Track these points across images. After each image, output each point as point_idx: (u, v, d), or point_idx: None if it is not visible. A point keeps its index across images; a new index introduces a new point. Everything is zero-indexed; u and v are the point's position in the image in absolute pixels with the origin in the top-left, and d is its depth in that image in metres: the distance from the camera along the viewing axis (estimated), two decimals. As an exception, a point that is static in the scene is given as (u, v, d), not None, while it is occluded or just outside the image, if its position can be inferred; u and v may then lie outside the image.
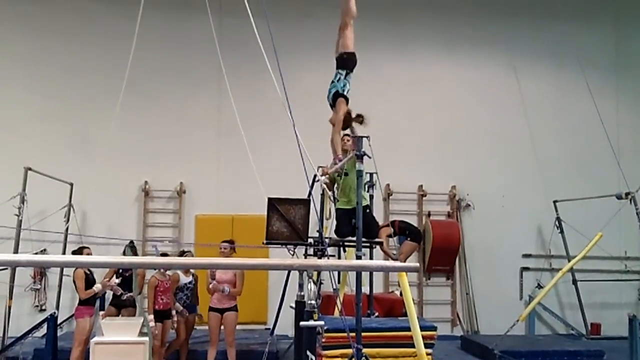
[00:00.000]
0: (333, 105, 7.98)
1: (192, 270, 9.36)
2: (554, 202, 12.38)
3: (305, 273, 4.35)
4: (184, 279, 9.23)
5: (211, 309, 8.83)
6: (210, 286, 8.78)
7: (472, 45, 13.21)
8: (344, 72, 7.97)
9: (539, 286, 12.30)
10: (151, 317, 8.64)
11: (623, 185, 10.75)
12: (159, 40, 12.20)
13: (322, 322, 4.83)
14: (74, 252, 9.00)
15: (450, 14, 13.11)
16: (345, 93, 7.89)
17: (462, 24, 13.13)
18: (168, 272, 9.00)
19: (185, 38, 12.43)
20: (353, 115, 8.07)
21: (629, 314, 9.35)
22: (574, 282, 12.35)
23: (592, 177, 12.50)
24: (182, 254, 9.74)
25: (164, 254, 9.96)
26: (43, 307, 11.60)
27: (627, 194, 10.46)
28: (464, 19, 13.12)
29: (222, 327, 8.87)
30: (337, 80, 7.92)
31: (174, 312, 9.00)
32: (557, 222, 12.40)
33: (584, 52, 12.55)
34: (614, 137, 11.15)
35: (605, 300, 12.46)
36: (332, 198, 8.60)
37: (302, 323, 4.65)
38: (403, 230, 11.40)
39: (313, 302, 4.73)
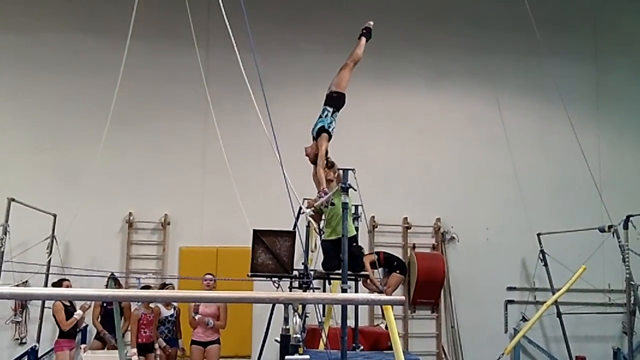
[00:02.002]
0: (316, 139, 8.05)
1: (173, 304, 9.28)
2: (538, 235, 12.44)
3: (290, 306, 4.34)
4: (165, 312, 9.15)
5: (194, 342, 8.76)
6: (196, 318, 8.71)
7: (456, 80, 13.38)
8: (331, 110, 8.03)
9: (524, 319, 12.31)
10: (134, 350, 8.54)
11: (606, 218, 10.84)
12: (146, 73, 12.23)
13: (307, 357, 4.81)
14: (54, 285, 8.91)
15: (434, 49, 13.29)
16: (330, 130, 7.95)
17: (445, 58, 13.32)
18: (151, 305, 8.92)
19: (172, 70, 12.48)
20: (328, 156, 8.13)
21: (613, 346, 9.39)
22: (559, 314, 12.36)
23: (575, 210, 12.60)
24: (163, 286, 9.67)
25: (147, 287, 9.88)
26: (23, 340, 11.37)
27: (609, 227, 10.55)
28: (447, 54, 13.30)
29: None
30: (325, 116, 8.00)
31: (156, 346, 8.90)
32: (541, 255, 12.46)
33: (565, 87, 12.75)
34: (595, 171, 11.29)
35: (590, 333, 12.47)
36: (317, 230, 8.60)
37: (287, 357, 4.62)
38: (388, 262, 11.42)
39: (298, 335, 4.70)
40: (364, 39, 8.64)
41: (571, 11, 13.83)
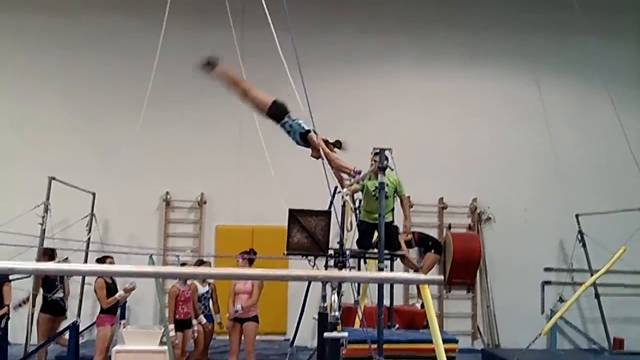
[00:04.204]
0: (308, 146, 7.46)
1: (208, 280, 9.41)
2: (577, 215, 12.26)
3: (329, 284, 4.35)
4: (201, 289, 9.28)
5: (230, 319, 8.85)
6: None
7: (494, 60, 13.19)
8: (287, 119, 7.37)
9: (561, 300, 12.18)
10: (172, 326, 8.68)
11: (646, 199, 10.63)
12: (182, 52, 12.25)
13: (345, 334, 4.82)
14: (98, 261, 9.08)
15: (472, 29, 13.09)
16: (307, 129, 7.31)
17: (484, 38, 13.12)
18: (189, 282, 9.05)
19: (208, 48, 12.46)
20: (331, 141, 7.57)
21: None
22: (597, 296, 12.20)
23: (615, 191, 12.38)
24: (200, 263, 9.78)
25: (184, 264, 10.02)
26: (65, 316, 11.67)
27: (650, 208, 10.35)
28: (485, 33, 13.10)
29: (242, 338, 8.88)
30: (290, 128, 7.25)
31: (194, 322, 9.03)
32: (579, 236, 12.28)
33: (607, 66, 12.47)
34: (637, 150, 11.02)
35: (629, 314, 12.29)
36: (353, 209, 8.61)
37: (326, 334, 4.64)
38: (423, 242, 11.39)
39: (337, 313, 4.72)
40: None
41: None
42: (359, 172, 7.37)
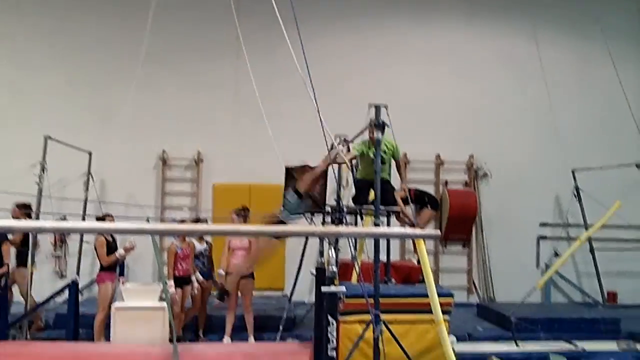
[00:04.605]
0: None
1: (205, 238, 9.46)
2: (573, 171, 12.31)
3: (326, 240, 4.40)
4: (199, 246, 9.34)
5: (228, 274, 8.93)
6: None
7: (492, 14, 13.08)
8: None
9: (556, 255, 12.31)
10: (171, 282, 8.76)
11: (643, 154, 10.67)
12: (177, 13, 12.20)
13: (343, 288, 4.88)
14: (97, 220, 9.12)
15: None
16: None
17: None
18: (187, 239, 9.10)
19: (203, 9, 12.41)
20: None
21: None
22: (591, 250, 12.33)
23: (611, 147, 12.41)
24: (196, 221, 9.80)
25: (182, 221, 10.05)
26: (64, 274, 11.79)
27: (646, 164, 10.39)
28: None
29: (240, 294, 8.98)
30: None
31: (193, 278, 9.12)
32: (575, 191, 12.35)
33: (607, 23, 12.35)
34: (635, 106, 11.00)
35: (623, 268, 12.44)
36: (349, 167, 8.61)
37: (323, 288, 4.70)
38: (419, 198, 11.41)
39: (334, 268, 4.78)
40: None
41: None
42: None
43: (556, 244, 12.59)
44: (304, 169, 8.26)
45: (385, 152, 7.91)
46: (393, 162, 8.32)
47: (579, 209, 12.37)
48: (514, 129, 12.84)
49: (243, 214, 9.06)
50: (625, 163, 10.90)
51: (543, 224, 12.78)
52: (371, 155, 7.74)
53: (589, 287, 12.67)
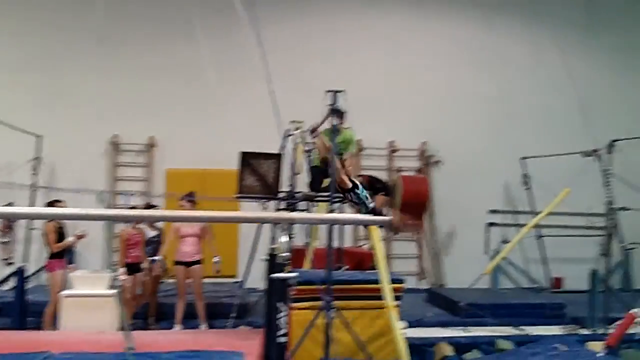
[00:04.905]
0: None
1: (157, 224, 9.38)
2: (522, 158, 12.55)
3: (278, 225, 4.42)
4: (149, 233, 9.25)
5: (177, 262, 8.88)
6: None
7: (446, 2, 13.18)
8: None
9: (505, 241, 12.56)
10: (122, 270, 8.67)
11: (590, 142, 10.90)
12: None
13: (295, 274, 4.91)
14: (48, 205, 8.92)
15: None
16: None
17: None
18: (138, 226, 9.00)
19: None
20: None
21: (590, 269, 9.68)
22: (539, 237, 12.62)
23: (560, 135, 12.67)
24: (148, 207, 9.69)
25: (133, 208, 9.93)
26: (11, 261, 11.51)
27: (594, 151, 10.63)
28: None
29: (190, 281, 8.94)
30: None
31: (144, 265, 9.03)
32: (524, 178, 12.61)
33: (556, 11, 12.60)
34: (583, 95, 11.26)
35: (568, 255, 12.75)
36: (304, 152, 8.63)
37: (274, 274, 4.71)
38: (373, 185, 11.49)
39: (285, 254, 4.79)
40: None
41: None
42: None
43: (505, 230, 12.86)
44: (260, 155, 8.25)
45: (341, 141, 7.96)
46: None
47: (528, 196, 12.63)
48: (466, 117, 13.02)
49: (192, 200, 9.00)
50: (573, 151, 11.15)
51: (493, 211, 13.02)
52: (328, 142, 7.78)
53: (536, 273, 12.98)
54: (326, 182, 7.91)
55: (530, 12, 13.14)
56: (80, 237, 8.76)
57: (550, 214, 11.29)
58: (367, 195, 7.81)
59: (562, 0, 13.22)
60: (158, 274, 9.31)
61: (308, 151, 8.79)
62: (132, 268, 8.88)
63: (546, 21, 12.42)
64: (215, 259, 8.80)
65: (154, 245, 9.30)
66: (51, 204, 8.97)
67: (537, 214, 11.95)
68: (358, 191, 7.75)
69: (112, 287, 8.47)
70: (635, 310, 8.05)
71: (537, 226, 12.07)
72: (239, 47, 9.00)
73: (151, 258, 9.14)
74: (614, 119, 12.74)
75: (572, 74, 10.75)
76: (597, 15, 13.51)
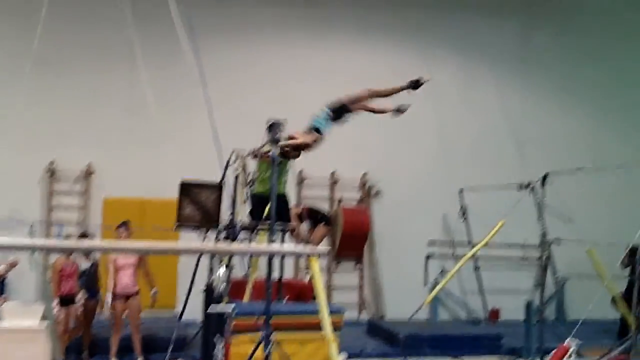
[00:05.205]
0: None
1: (92, 255, 9.16)
2: (460, 190, 12.79)
3: (216, 257, 4.35)
4: (84, 264, 9.01)
5: (115, 295, 8.66)
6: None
7: (384, 33, 13.41)
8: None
9: (443, 272, 12.71)
10: (55, 301, 8.39)
11: (525, 175, 11.20)
12: (70, 16, 11.77)
13: (232, 305, 4.84)
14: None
15: (362, 2, 13.23)
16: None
17: (375, 10, 13.29)
18: (73, 257, 8.76)
19: (98, 14, 12.03)
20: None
21: (526, 299, 9.87)
22: (476, 268, 12.83)
23: (496, 167, 12.96)
24: (82, 237, 9.45)
25: (68, 237, 9.67)
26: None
27: (527, 184, 10.91)
28: (377, 5, 13.26)
29: (127, 313, 8.73)
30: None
31: (78, 298, 8.77)
32: (461, 210, 12.83)
33: (492, 44, 13.00)
34: (517, 129, 11.58)
35: (505, 286, 12.97)
36: (246, 182, 8.59)
37: (211, 307, 4.64)
38: (313, 215, 11.51)
39: (223, 286, 4.73)
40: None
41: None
42: None
43: (443, 261, 13.02)
44: (200, 184, 8.18)
45: (281, 162, 7.96)
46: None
47: (465, 228, 12.85)
48: (405, 149, 13.20)
49: (127, 229, 8.83)
50: (509, 183, 11.41)
51: (432, 242, 13.18)
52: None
53: (474, 304, 13.16)
54: (267, 210, 7.89)
55: (467, 45, 13.49)
56: (12, 265, 8.45)
57: (487, 245, 11.50)
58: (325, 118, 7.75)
59: (498, 36, 13.62)
60: (93, 306, 9.05)
61: (249, 181, 8.76)
62: (66, 300, 8.61)
63: (483, 56, 12.78)
64: (153, 291, 8.63)
65: (88, 276, 9.04)
66: (-19, 233, 8.63)
67: (474, 245, 12.15)
68: (321, 129, 7.68)
69: (44, 319, 8.17)
70: (569, 340, 8.23)
71: (475, 257, 12.27)
72: (180, 75, 8.95)
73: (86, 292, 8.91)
74: (547, 152, 13.16)
75: (507, 108, 11.09)
76: (531, 51, 13.99)
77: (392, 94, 7.85)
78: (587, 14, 14.14)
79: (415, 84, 7.85)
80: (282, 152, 7.54)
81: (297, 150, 7.64)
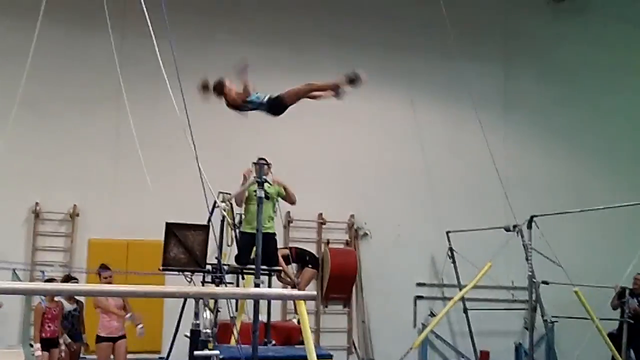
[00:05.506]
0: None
1: (76, 298, 9.03)
2: (447, 232, 12.79)
3: (201, 301, 4.30)
4: (68, 306, 8.88)
5: (101, 338, 8.51)
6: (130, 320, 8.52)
7: (371, 77, 13.46)
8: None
9: (432, 314, 12.63)
10: (37, 345, 8.24)
11: (511, 217, 11.24)
12: (57, 56, 11.80)
13: (217, 352, 4.77)
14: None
15: (349, 45, 13.34)
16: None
17: (361, 55, 13.40)
18: (56, 299, 8.63)
19: (85, 55, 12.07)
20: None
21: (515, 341, 9.81)
22: (465, 310, 12.75)
23: (482, 209, 13.00)
24: (67, 279, 9.32)
25: (52, 280, 9.54)
26: None
27: (514, 227, 10.94)
28: (360, 50, 13.39)
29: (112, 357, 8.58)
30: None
31: (61, 341, 8.62)
32: (449, 252, 12.81)
33: (475, 89, 13.11)
34: (502, 171, 11.63)
35: (494, 328, 12.91)
36: (232, 225, 8.56)
37: (196, 353, 4.56)
38: (301, 257, 11.46)
39: (208, 330, 4.66)
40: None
41: (482, 15, 14.19)
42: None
43: (432, 303, 12.95)
44: (186, 226, 8.13)
45: (268, 194, 7.95)
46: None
47: (453, 270, 12.81)
48: (392, 189, 13.23)
49: (107, 273, 8.74)
50: (495, 225, 11.44)
51: (420, 284, 13.11)
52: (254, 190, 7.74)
53: (463, 346, 13.03)
54: (253, 252, 7.84)
55: (451, 91, 13.62)
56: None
57: (475, 287, 11.46)
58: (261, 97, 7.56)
59: (482, 78, 13.79)
60: (76, 350, 8.89)
61: (237, 224, 8.73)
62: (49, 343, 8.45)
63: (466, 100, 12.88)
64: (139, 327, 8.50)
65: (73, 319, 8.90)
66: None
67: (463, 287, 12.11)
68: (251, 98, 7.50)
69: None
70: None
71: (463, 299, 12.22)
72: (165, 115, 8.93)
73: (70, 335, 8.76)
74: (532, 193, 13.25)
75: (492, 150, 11.15)
76: (513, 95, 14.18)
77: (328, 89, 7.71)
78: (565, 58, 14.41)
79: (352, 80, 7.59)
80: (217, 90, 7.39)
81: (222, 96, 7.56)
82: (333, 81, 7.54)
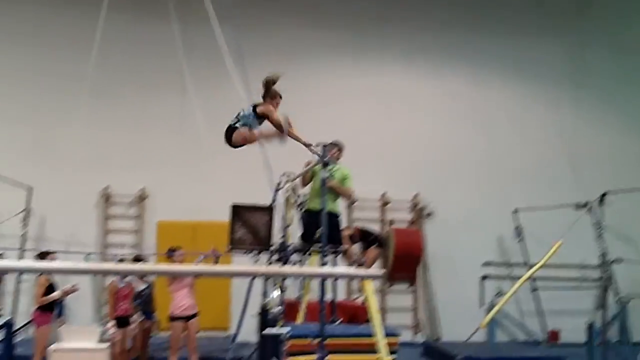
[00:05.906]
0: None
1: (147, 277, 9.27)
2: (514, 211, 12.54)
3: (270, 280, 4.33)
4: (139, 285, 9.12)
5: (175, 317, 8.70)
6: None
7: (436, 57, 13.36)
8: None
9: (500, 294, 12.43)
10: (112, 323, 8.51)
11: (582, 195, 10.93)
12: (122, 44, 12.07)
13: (288, 328, 4.80)
14: (39, 256, 8.78)
15: (413, 26, 13.21)
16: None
17: (421, 33, 13.25)
18: (127, 279, 8.88)
19: (149, 42, 12.32)
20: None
21: (586, 321, 9.56)
22: (534, 289, 12.51)
23: (551, 187, 12.70)
24: (136, 259, 9.57)
25: (122, 260, 9.81)
26: (0, 313, 11.31)
27: (585, 204, 10.64)
28: (423, 29, 13.22)
29: (185, 334, 8.77)
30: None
31: (133, 319, 8.88)
32: (517, 231, 12.56)
33: (544, 65, 12.77)
34: (572, 148, 11.34)
35: (564, 307, 12.64)
36: (296, 205, 8.59)
37: (266, 330, 4.61)
38: (365, 237, 11.44)
39: (277, 309, 4.70)
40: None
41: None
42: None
43: (500, 283, 12.74)
44: (251, 207, 8.21)
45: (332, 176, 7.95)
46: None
47: (521, 249, 12.57)
48: (458, 169, 13.05)
49: (176, 254, 8.89)
50: (565, 203, 11.14)
51: (486, 263, 12.93)
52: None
53: (532, 326, 12.82)
54: (318, 232, 7.85)
55: (518, 68, 13.32)
56: (67, 292, 8.61)
57: (545, 266, 11.21)
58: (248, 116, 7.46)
59: (549, 56, 13.40)
60: (149, 327, 9.15)
61: (300, 204, 8.75)
62: (122, 321, 8.72)
63: (534, 77, 12.55)
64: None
65: (143, 298, 9.15)
66: (42, 255, 8.84)
67: (531, 266, 11.86)
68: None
69: (101, 340, 8.30)
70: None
71: (532, 278, 11.97)
72: (229, 99, 9.01)
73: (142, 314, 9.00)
74: (604, 170, 12.82)
75: (561, 128, 10.88)
76: (582, 69, 13.70)
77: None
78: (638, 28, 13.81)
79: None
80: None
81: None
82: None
